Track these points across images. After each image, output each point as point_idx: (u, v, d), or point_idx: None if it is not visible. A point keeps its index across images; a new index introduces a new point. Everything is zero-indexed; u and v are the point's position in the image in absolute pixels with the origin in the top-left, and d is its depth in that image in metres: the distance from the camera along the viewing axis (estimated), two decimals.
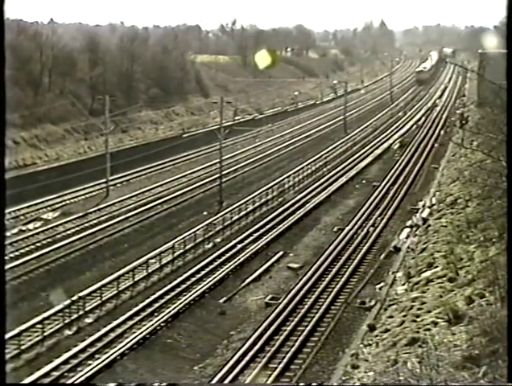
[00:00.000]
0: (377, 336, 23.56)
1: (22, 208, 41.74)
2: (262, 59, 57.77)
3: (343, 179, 52.33)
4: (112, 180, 47.70)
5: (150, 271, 31.74)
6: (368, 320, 26.35)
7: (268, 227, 39.42)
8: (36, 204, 42.83)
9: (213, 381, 22.08)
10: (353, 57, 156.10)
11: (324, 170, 55.52)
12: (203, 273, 32.09)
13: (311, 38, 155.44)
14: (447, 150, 60.85)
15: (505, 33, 9.29)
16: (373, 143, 67.81)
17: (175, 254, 33.91)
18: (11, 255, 33.86)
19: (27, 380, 21.88)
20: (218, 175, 46.94)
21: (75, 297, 27.18)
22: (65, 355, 23.59)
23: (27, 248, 35.04)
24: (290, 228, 39.92)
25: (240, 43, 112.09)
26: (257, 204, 43.64)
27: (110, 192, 46.55)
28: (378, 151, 63.93)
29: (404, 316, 23.49)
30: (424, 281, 26.58)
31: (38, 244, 35.79)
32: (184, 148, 60.98)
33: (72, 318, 26.57)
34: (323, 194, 47.65)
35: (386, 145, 67.01)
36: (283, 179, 50.00)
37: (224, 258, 34.09)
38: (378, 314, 26.47)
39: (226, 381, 22.10)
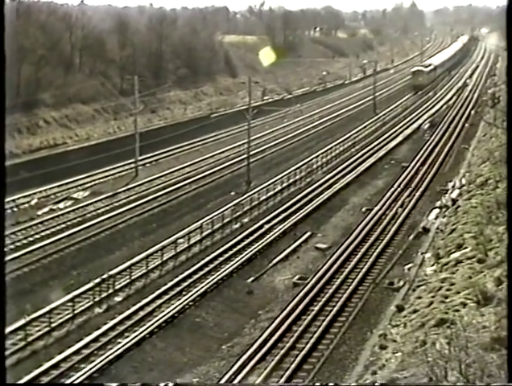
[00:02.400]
0: (405, 317, 23.52)
1: (52, 187, 42.23)
2: (266, 56, 58.02)
3: (372, 160, 52.00)
4: (141, 160, 47.95)
5: (178, 250, 31.95)
6: (396, 301, 26.29)
7: (296, 207, 39.37)
8: (67, 183, 43.27)
9: (241, 360, 22.22)
10: (383, 37, 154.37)
11: (353, 150, 55.20)
12: (230, 252, 32.21)
13: (339, 18, 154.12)
14: (477, 130, 60.13)
15: (506, 33, 9.11)
16: (402, 123, 67.21)
17: (203, 234, 34.06)
18: (42, 233, 34.36)
19: (59, 357, 22.21)
20: (246, 155, 46.92)
21: (105, 276, 27.48)
22: (95, 333, 23.90)
23: (58, 227, 35.45)
24: (318, 209, 39.85)
25: (268, 24, 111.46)
26: (285, 185, 43.58)
27: (139, 172, 46.82)
28: (408, 131, 63.37)
29: (433, 297, 23.39)
30: (453, 262, 26.43)
31: (68, 223, 36.19)
32: (212, 128, 61.02)
33: (102, 296, 26.87)
34: (351, 174, 47.43)
35: (415, 125, 66.39)
36: (311, 160, 49.82)
37: (251, 238, 34.16)
38: (407, 295, 26.40)
39: (254, 361, 22.23)
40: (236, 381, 20.99)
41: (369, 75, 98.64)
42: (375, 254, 32.04)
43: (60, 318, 24.97)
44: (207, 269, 30.09)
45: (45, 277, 29.58)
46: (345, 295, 27.43)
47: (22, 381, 19.92)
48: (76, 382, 21.08)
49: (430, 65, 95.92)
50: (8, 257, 30.71)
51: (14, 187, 40.56)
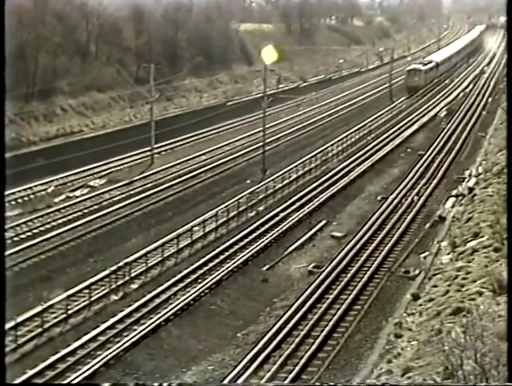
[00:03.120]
0: (421, 305, 23.49)
1: (69, 175, 42.44)
2: (268, 54, 58.28)
3: (388, 148, 51.78)
4: (157, 148, 48.04)
5: (194, 238, 32.01)
6: (412, 289, 26.25)
7: (311, 195, 39.33)
8: (83, 171, 43.47)
9: (256, 348, 22.28)
10: (400, 24, 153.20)
11: (369, 138, 54.98)
12: (246, 240, 32.24)
13: (356, 6, 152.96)
14: (494, 118, 59.66)
15: (506, 33, 9.01)
16: (419, 111, 66.83)
17: (219, 222, 34.11)
18: (59, 221, 34.57)
19: (75, 344, 22.38)
20: (261, 144, 46.86)
21: (121, 263, 27.62)
22: (111, 320, 24.05)
23: (75, 215, 35.65)
24: (333, 197, 39.78)
25: (284, 12, 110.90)
26: (300, 173, 43.50)
27: (155, 160, 46.93)
28: (424, 119, 63.01)
29: (449, 285, 23.34)
30: (469, 251, 26.33)
31: (85, 211, 36.38)
32: (228, 116, 60.98)
33: (119, 283, 27.02)
34: (367, 162, 47.27)
35: (432, 113, 65.99)
36: (327, 148, 49.68)
37: (267, 226, 34.18)
38: (422, 284, 26.36)
39: (269, 349, 22.29)
40: (251, 369, 21.05)
41: (385, 62, 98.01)
42: (391, 242, 31.97)
43: (77, 305, 25.15)
44: (222, 257, 30.15)
45: (62, 264, 29.79)
46: (361, 283, 27.42)
47: (28, 375, 19.83)
48: (83, 382, 21.22)
49: (430, 62, 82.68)
50: (26, 244, 31.00)
51: (32, 175, 40.88)
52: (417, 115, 64.82)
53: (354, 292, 26.62)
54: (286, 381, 20.39)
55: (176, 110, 61.94)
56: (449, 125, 59.59)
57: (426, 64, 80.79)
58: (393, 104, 70.19)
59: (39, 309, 23.82)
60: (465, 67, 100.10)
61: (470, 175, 41.48)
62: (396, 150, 51.73)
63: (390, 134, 56.27)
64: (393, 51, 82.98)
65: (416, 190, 40.54)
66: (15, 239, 31.95)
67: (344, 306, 25.36)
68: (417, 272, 28.18)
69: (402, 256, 30.51)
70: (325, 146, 50.25)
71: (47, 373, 20.75)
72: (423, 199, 38.83)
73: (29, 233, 32.80)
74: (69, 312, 24.54)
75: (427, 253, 29.94)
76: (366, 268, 29.04)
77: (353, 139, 53.69)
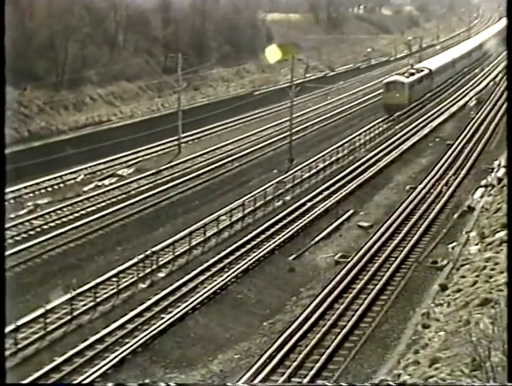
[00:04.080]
0: (448, 296, 23.34)
1: (98, 164, 42.79)
2: (273, 53, 58.08)
3: (416, 137, 51.38)
4: (184, 137, 48.20)
5: (220, 227, 32.10)
6: (440, 279, 26.09)
7: (338, 185, 39.19)
8: (112, 160, 43.79)
9: (282, 337, 22.32)
10: (429, 13, 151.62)
11: (397, 127, 54.59)
12: (272, 230, 32.26)
13: None
14: None
15: (506, 33, 8.85)
16: (448, 100, 66.16)
17: (246, 211, 34.15)
18: (88, 209, 34.89)
19: (104, 332, 22.60)
20: (288, 133, 46.77)
21: (149, 252, 27.80)
22: (139, 308, 24.23)
23: (103, 204, 35.95)
24: (361, 187, 39.60)
25: (311, 2, 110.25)
26: (327, 162, 43.34)
27: (182, 149, 47.09)
28: (453, 108, 62.36)
29: (477, 276, 23.15)
30: (498, 242, 26.05)
31: (113, 200, 36.66)
32: (255, 106, 60.91)
33: (146, 271, 27.21)
34: (395, 152, 46.95)
35: (461, 102, 65.29)
36: (354, 137, 49.45)
37: (293, 216, 34.16)
38: (450, 274, 26.17)
39: (295, 338, 22.31)
40: (277, 358, 21.10)
41: (414, 51, 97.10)
42: (419, 233, 31.78)
43: (105, 293, 25.39)
44: (249, 247, 30.21)
45: (91, 252, 30.08)
46: (388, 273, 27.32)
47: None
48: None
49: (420, 71, 63.97)
50: (55, 232, 31.35)
51: (61, 163, 41.29)
52: (446, 104, 64.17)
53: (381, 282, 26.53)
54: (313, 371, 20.40)
55: (203, 100, 62.00)
56: (479, 115, 58.93)
57: (413, 74, 61.86)
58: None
59: (68, 296, 24.07)
60: (496, 54, 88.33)
61: (499, 165, 40.98)
62: (425, 140, 51.31)
63: (418, 124, 55.81)
64: (421, 39, 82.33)
65: (445, 181, 40.20)
66: (45, 227, 32.32)
67: (371, 296, 25.29)
68: (445, 262, 27.99)
69: (430, 247, 30.31)
70: (353, 136, 50.01)
71: (76, 360, 20.99)
72: (451, 189, 38.50)
73: (58, 221, 33.15)
74: (98, 300, 24.79)
75: (455, 244, 29.71)
76: (393, 259, 28.91)
77: (380, 128, 53.35)
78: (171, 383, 17.85)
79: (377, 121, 54.82)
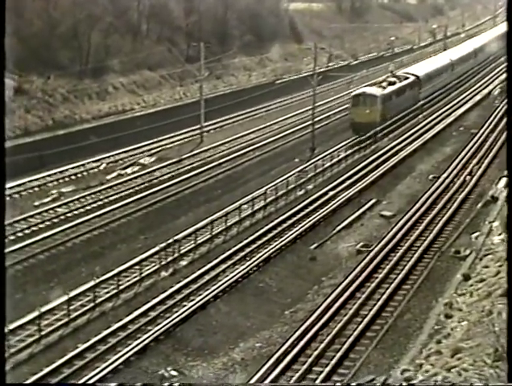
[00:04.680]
0: (471, 286, 23.21)
1: (120, 153, 43.02)
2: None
3: (440, 126, 50.99)
4: (206, 126, 48.25)
5: (242, 216, 32.13)
6: (462, 269, 25.94)
7: (361, 174, 39.05)
8: (134, 149, 43.99)
9: (303, 326, 22.34)
10: (454, 2, 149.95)
11: (420, 116, 54.18)
12: (294, 219, 32.25)
13: None
14: None
15: (506, 32, 8.71)
16: (473, 88, 65.50)
17: (268, 200, 34.16)
18: (111, 198, 35.10)
19: (126, 319, 22.76)
20: (310, 122, 46.62)
21: (171, 240, 27.93)
22: (161, 296, 24.37)
23: (126, 192, 36.15)
24: (383, 176, 39.43)
25: None
26: (349, 151, 43.16)
27: (204, 138, 47.16)
28: (478, 97, 61.76)
29: (500, 266, 22.99)
30: None
31: (136, 188, 36.86)
32: (277, 94, 60.78)
33: (168, 260, 27.35)
34: (418, 141, 46.66)
35: (486, 90, 64.62)
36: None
37: (315, 205, 34.12)
38: (473, 264, 26.01)
39: (316, 327, 22.32)
40: (298, 347, 21.13)
41: (438, 39, 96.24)
42: (441, 222, 31.59)
43: (128, 281, 25.56)
44: (270, 235, 30.23)
45: (114, 240, 30.29)
46: (410, 263, 27.21)
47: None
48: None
49: (402, 79, 52.74)
50: (79, 220, 31.60)
51: (85, 152, 41.57)
52: (470, 93, 63.56)
53: (403, 271, 26.43)
54: (334, 360, 20.40)
55: (226, 88, 61.95)
56: (503, 104, 58.28)
57: (392, 84, 50.61)
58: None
59: (91, 283, 24.27)
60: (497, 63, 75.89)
61: None
62: (448, 129, 50.91)
63: (442, 112, 55.35)
64: (446, 28, 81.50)
65: (468, 170, 39.88)
66: (69, 215, 32.58)
67: (393, 286, 25.22)
68: (468, 252, 27.81)
69: (453, 236, 30.13)
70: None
71: (99, 347, 21.18)
72: (475, 178, 38.20)
73: (82, 210, 33.41)
74: (121, 287, 24.97)
75: (478, 233, 29.49)
76: (416, 248, 28.79)
77: (404, 118, 52.87)
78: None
79: (401, 110, 54.30)
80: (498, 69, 77.14)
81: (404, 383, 16.74)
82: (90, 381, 19.31)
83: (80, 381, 19.28)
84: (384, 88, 49.08)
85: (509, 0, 9.13)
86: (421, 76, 55.38)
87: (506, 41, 8.86)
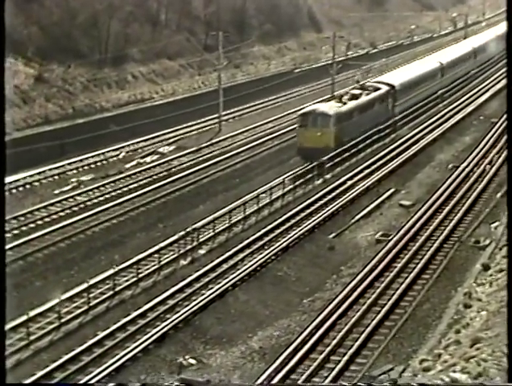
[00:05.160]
0: (491, 275, 23.09)
1: (139, 141, 43.17)
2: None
3: (459, 115, 50.61)
4: (224, 115, 48.23)
5: (260, 205, 32.14)
6: (482, 259, 25.81)
7: (380, 163, 38.87)
8: (153, 138, 44.12)
9: (322, 315, 22.34)
10: None
11: (440, 105, 53.80)
12: (312, 208, 32.21)
13: None
14: None
15: (506, 33, 8.56)
16: (494, 77, 64.88)
17: (286, 189, 34.12)
18: (130, 186, 35.26)
19: (145, 307, 22.88)
20: None
21: (189, 229, 28.01)
22: (180, 284, 24.47)
23: (145, 181, 36.30)
24: (402, 165, 39.23)
25: None
26: (368, 141, 42.94)
27: (222, 127, 47.15)
28: (499, 86, 61.15)
29: None
30: None
31: (155, 177, 36.99)
32: (296, 83, 60.60)
33: (187, 248, 27.44)
34: (438, 130, 46.36)
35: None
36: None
37: (334, 194, 34.04)
38: (493, 254, 25.86)
39: (335, 316, 22.31)
40: (317, 336, 21.14)
41: (459, 28, 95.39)
42: (461, 212, 31.41)
43: (147, 269, 25.69)
44: (289, 224, 30.22)
45: (133, 228, 30.44)
46: (429, 252, 27.09)
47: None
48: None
49: (372, 91, 43.67)
50: (98, 209, 31.79)
51: (104, 140, 41.77)
52: (491, 81, 62.97)
53: (423, 261, 26.33)
54: (352, 349, 20.39)
55: (244, 77, 61.88)
56: None
57: (355, 97, 41.49)
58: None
59: (110, 272, 24.42)
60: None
61: None
62: (468, 118, 50.53)
63: (462, 101, 54.93)
64: (467, 16, 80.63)
65: (488, 159, 39.57)
66: (88, 203, 32.78)
67: (412, 275, 25.13)
68: (487, 242, 27.65)
69: (473, 226, 29.95)
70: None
71: (118, 335, 21.33)
72: (495, 167, 37.90)
73: (101, 198, 33.59)
74: (140, 275, 25.10)
75: (497, 223, 29.29)
76: (435, 238, 28.66)
77: (424, 107, 52.52)
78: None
79: (421, 98, 53.91)
80: None
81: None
82: (109, 369, 19.44)
83: (100, 368, 19.41)
84: (344, 103, 40.23)
85: (509, 1, 9.01)
86: (397, 86, 46.05)
87: (506, 41, 8.74)
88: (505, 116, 49.68)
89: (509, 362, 11.12)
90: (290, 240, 28.58)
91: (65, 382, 18.80)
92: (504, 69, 69.35)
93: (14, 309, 22.42)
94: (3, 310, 4.98)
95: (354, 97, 41.61)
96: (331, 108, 39.35)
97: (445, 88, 54.81)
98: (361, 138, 40.20)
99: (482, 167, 38.08)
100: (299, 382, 18.33)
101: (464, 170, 37.56)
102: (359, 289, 24.04)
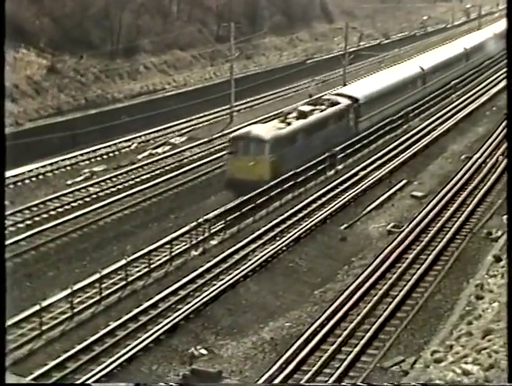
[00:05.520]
0: (503, 267, 22.98)
1: (151, 132, 43.22)
2: None
3: (472, 106, 50.33)
4: (236, 106, 48.18)
5: (271, 194, 31.79)
6: (494, 250, 25.69)
7: (392, 154, 38.74)
8: (165, 129, 44.17)
9: (333, 306, 22.34)
10: None
11: (453, 96, 53.49)
12: (324, 199, 32.15)
13: None
14: None
15: (506, 32, 8.45)
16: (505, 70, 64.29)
17: (297, 180, 34.02)
18: (142, 177, 35.33)
19: (157, 297, 22.95)
20: None
21: (201, 220, 28.04)
22: (192, 275, 24.52)
23: (157, 171, 36.35)
24: (414, 156, 39.09)
25: None
26: (380, 132, 42.77)
27: (234, 118, 47.09)
28: None
29: None
30: None
31: (167, 168, 37.03)
32: (307, 74, 60.39)
33: (199, 239, 27.47)
34: (450, 121, 46.12)
35: None
36: (408, 106, 48.57)
37: (346, 185, 33.97)
38: (505, 245, 25.71)
39: (346, 307, 22.31)
40: (328, 326, 21.15)
41: (472, 18, 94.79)
42: (473, 203, 31.28)
43: (159, 260, 25.75)
44: (300, 215, 30.18)
45: (145, 219, 30.51)
46: (441, 244, 27.01)
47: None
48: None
49: (327, 106, 37.97)
50: (110, 200, 31.89)
51: (116, 131, 41.85)
52: (505, 72, 62.50)
53: (434, 252, 26.26)
54: (364, 340, 20.39)
55: (256, 68, 61.77)
56: None
57: (301, 117, 35.43)
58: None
59: (122, 262, 24.50)
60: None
61: None
62: (481, 108, 50.22)
63: (475, 92, 54.60)
64: (480, 7, 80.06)
65: (501, 150, 39.33)
66: (100, 194, 32.89)
67: (424, 266, 25.07)
68: (500, 233, 27.52)
69: (485, 217, 29.82)
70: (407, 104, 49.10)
71: (130, 325, 21.42)
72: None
73: (113, 189, 33.68)
74: (152, 266, 25.16)
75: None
76: (447, 229, 28.56)
77: (437, 98, 52.24)
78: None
79: (433, 89, 53.67)
80: None
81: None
82: (121, 359, 19.53)
83: (111, 359, 19.49)
84: (288, 123, 34.28)
85: (509, 1, 8.93)
86: (361, 99, 40.02)
87: (506, 39, 8.65)
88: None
89: (509, 362, 11.09)
90: (301, 231, 28.56)
91: (64, 382, 18.64)
92: None
93: (27, 299, 22.62)
94: (3, 310, 4.97)
95: (302, 116, 35.30)
96: (268, 131, 33.30)
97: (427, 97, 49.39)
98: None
99: (495, 158, 37.88)
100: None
101: (476, 161, 37.37)
102: (370, 280, 24.01)
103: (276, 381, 18.40)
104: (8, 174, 34.04)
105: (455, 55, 58.16)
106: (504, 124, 44.93)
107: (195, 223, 27.66)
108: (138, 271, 24.85)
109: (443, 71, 53.83)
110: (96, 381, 18.58)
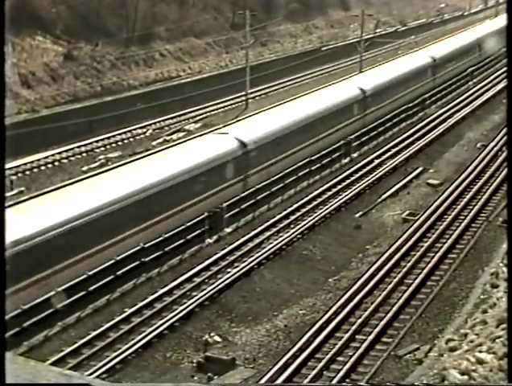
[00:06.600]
0: None
1: (166, 119, 43.24)
2: None
3: (489, 93, 49.90)
4: (251, 93, 48.05)
5: (286, 182, 31.77)
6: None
7: (407, 142, 38.54)
8: (180, 115, 44.16)
9: (347, 294, 22.31)
10: None
11: (470, 83, 53.06)
12: (339, 187, 32.07)
13: None
14: None
15: (506, 32, 8.29)
16: None
17: (312, 168, 33.93)
18: None
19: (172, 285, 22.99)
20: None
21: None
22: (206, 262, 24.56)
23: None
24: (430, 144, 38.86)
25: None
26: (396, 120, 42.54)
27: (249, 105, 46.98)
28: None
29: None
30: None
31: None
32: (323, 61, 60.15)
33: (213, 227, 27.45)
34: (467, 108, 45.78)
35: None
36: (425, 93, 48.25)
37: (361, 173, 33.85)
38: None
39: (360, 295, 22.28)
40: (342, 314, 21.14)
41: (491, 6, 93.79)
42: (489, 191, 31.08)
43: (174, 247, 25.75)
44: (315, 203, 30.13)
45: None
46: (457, 232, 26.89)
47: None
48: None
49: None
50: None
51: (131, 118, 41.90)
52: None
53: (450, 240, 26.14)
54: (378, 328, 20.37)
55: (271, 55, 61.54)
56: None
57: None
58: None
59: (138, 248, 24.55)
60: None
61: None
62: (498, 96, 49.73)
63: (492, 79, 54.11)
64: None
65: None
66: None
67: (439, 254, 24.98)
68: None
69: (501, 206, 29.62)
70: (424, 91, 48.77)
71: (145, 312, 21.51)
72: None
73: None
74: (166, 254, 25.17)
75: None
76: (463, 217, 28.41)
77: (452, 86, 51.82)
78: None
79: (450, 76, 53.24)
80: None
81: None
82: (136, 346, 19.62)
83: (126, 345, 19.59)
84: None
85: (509, 1, 8.78)
86: (248, 143, 29.72)
87: (506, 36, 8.51)
88: None
89: (509, 362, 11.01)
90: (316, 218, 28.50)
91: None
92: None
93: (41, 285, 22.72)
94: (3, 310, 4.96)
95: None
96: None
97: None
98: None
99: None
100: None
101: (492, 148, 37.09)
102: (385, 268, 23.95)
103: (290, 369, 18.41)
104: (24, 160, 34.23)
105: (465, 44, 56.84)
106: (505, 123, 44.58)
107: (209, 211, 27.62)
108: (153, 259, 24.86)
109: (454, 61, 53.17)
110: (111, 368, 18.71)
